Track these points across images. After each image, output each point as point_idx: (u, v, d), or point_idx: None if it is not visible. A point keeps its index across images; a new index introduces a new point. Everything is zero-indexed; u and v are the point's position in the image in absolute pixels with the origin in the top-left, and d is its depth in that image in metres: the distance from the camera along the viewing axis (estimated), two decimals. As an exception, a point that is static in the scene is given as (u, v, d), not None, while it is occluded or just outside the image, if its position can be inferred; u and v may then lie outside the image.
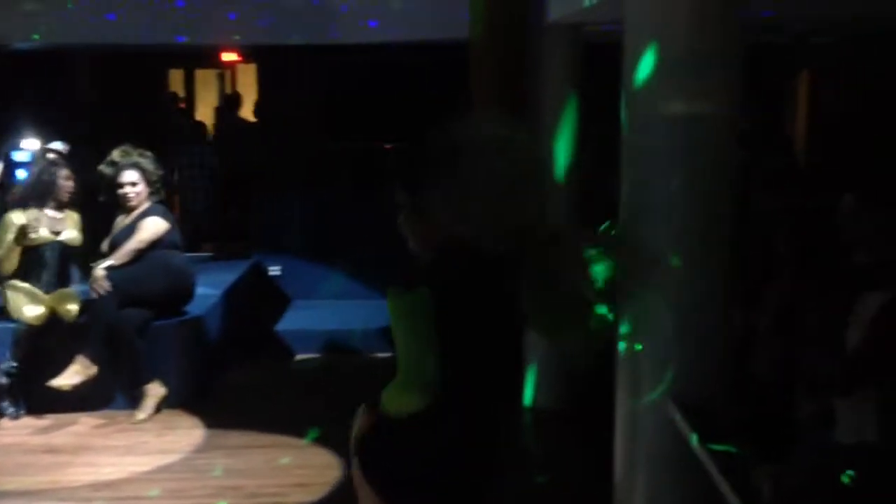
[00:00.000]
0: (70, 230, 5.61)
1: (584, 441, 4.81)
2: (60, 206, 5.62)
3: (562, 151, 5.07)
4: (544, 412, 5.24)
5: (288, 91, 9.32)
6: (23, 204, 5.57)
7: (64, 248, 5.57)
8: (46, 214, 5.54)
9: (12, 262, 5.42)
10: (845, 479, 2.43)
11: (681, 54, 2.64)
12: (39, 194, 5.57)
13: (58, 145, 7.42)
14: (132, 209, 5.56)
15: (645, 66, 2.68)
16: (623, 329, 2.69)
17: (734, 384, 2.68)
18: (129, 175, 5.52)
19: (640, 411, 2.61)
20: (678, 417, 2.46)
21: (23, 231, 5.34)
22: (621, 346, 2.73)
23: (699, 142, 2.64)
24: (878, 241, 2.73)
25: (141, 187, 5.55)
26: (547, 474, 4.40)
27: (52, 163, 5.89)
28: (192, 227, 8.50)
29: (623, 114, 2.77)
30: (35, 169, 5.88)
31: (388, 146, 8.57)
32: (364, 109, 8.46)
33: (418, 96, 8.36)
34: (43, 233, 5.47)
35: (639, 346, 2.64)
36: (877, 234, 2.75)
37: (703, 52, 2.63)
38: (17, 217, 5.44)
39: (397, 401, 2.09)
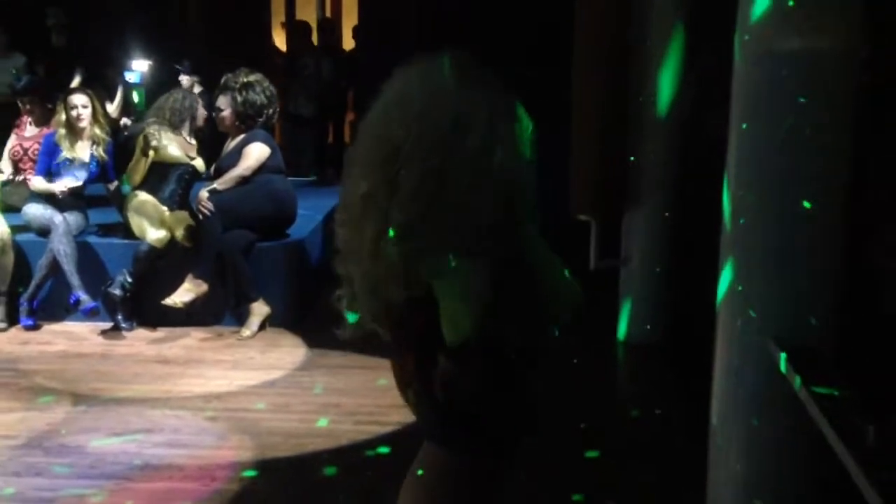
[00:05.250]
0: (199, 158, 5.77)
1: (679, 376, 4.81)
2: (195, 135, 5.79)
3: (666, 86, 4.95)
4: (638, 346, 5.26)
5: (389, 13, 9.27)
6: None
7: (192, 174, 5.73)
8: (183, 136, 5.70)
9: (140, 173, 5.59)
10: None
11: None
12: (180, 120, 5.72)
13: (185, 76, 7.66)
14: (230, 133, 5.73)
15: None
16: (725, 270, 2.66)
17: (862, 326, 2.61)
18: (219, 101, 5.69)
19: (741, 353, 2.59)
20: (781, 359, 2.43)
21: (146, 139, 5.48)
22: (722, 286, 2.70)
23: (816, 79, 2.55)
24: None
25: (227, 112, 5.66)
26: (640, 408, 4.43)
27: (192, 91, 6.11)
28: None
29: (736, 49, 2.69)
30: (176, 94, 5.96)
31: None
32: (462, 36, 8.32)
33: (515, 20, 8.21)
34: (176, 152, 5.62)
35: (740, 288, 2.61)
36: None
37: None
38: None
39: None
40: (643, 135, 5.04)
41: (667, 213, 5.15)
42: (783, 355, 2.44)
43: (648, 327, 5.22)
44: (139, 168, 5.59)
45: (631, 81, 5.00)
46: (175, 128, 5.69)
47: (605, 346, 5.34)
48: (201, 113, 5.85)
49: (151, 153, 5.57)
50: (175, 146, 5.63)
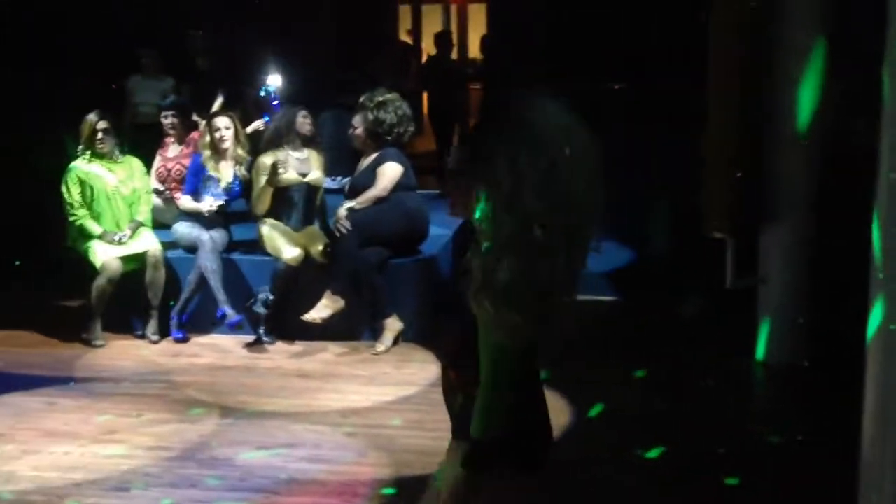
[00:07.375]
0: (315, 171, 5.93)
1: (822, 399, 4.69)
2: (303, 145, 5.93)
3: (806, 100, 4.83)
4: (777, 367, 5.15)
5: (515, 29, 9.34)
6: (267, 147, 5.93)
7: (310, 189, 5.92)
8: (292, 156, 5.87)
9: (265, 203, 5.81)
10: None
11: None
12: (280, 135, 5.91)
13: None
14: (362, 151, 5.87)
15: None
16: (875, 308, 2.61)
17: None
18: (354, 119, 5.84)
19: (893, 394, 2.54)
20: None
21: (274, 169, 5.69)
22: (872, 325, 2.65)
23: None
24: None
25: (359, 130, 5.80)
26: (781, 434, 4.34)
27: (292, 103, 6.30)
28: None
29: (885, 84, 2.63)
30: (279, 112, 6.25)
31: (616, 87, 8.41)
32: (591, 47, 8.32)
33: (645, 32, 8.14)
34: (291, 175, 5.81)
35: (893, 327, 2.55)
36: None
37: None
38: (267, 158, 5.81)
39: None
40: (780, 150, 4.93)
41: (806, 230, 5.03)
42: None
43: (788, 347, 5.10)
44: (265, 197, 5.78)
45: (768, 95, 4.90)
46: (278, 146, 5.85)
47: (742, 366, 5.25)
48: (301, 122, 5.94)
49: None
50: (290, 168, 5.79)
